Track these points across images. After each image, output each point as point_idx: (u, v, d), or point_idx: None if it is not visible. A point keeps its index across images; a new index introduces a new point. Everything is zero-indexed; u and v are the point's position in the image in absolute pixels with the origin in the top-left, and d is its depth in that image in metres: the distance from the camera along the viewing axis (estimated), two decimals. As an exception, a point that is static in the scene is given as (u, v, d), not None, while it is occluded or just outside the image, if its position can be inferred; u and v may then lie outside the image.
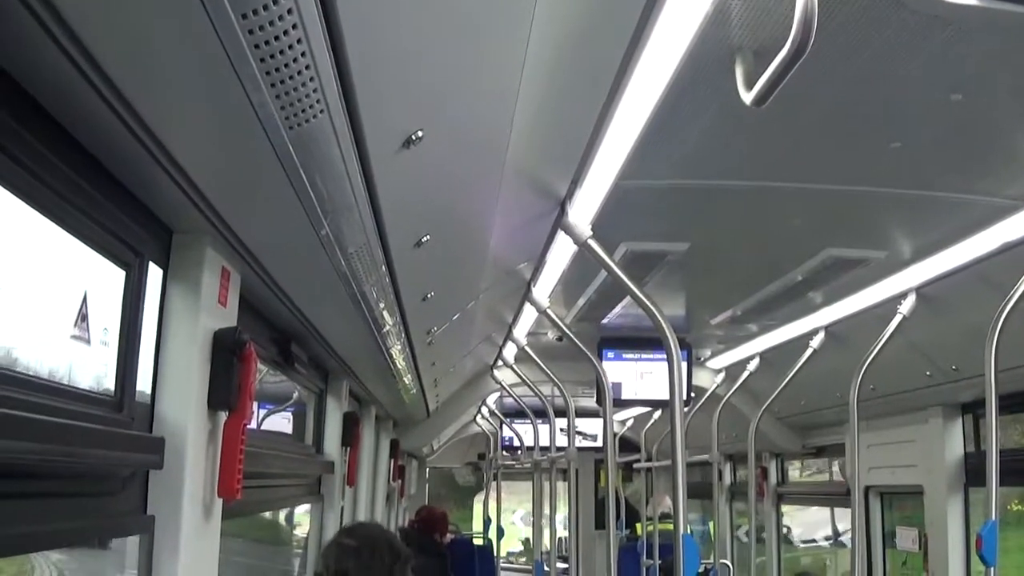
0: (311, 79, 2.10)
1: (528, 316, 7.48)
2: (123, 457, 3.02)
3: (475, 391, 11.94)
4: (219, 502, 3.72)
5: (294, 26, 1.88)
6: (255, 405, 5.10)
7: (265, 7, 1.80)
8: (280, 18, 1.84)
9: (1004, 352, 5.16)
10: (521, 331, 8.11)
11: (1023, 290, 4.96)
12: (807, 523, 12.97)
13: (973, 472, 7.62)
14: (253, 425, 5.18)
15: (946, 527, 7.73)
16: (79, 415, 2.71)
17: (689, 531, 4.15)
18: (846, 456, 9.09)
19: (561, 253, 5.37)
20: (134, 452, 3.11)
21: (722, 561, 12.10)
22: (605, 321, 8.60)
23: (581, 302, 7.64)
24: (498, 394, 12.72)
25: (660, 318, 4.31)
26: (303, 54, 1.99)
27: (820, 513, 12.54)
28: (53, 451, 2.46)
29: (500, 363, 10.04)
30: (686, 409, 10.18)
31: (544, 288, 6.31)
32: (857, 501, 7.52)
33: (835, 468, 11.11)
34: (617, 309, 8.03)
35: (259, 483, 5.02)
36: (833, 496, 11.11)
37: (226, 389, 3.61)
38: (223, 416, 3.69)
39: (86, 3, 1.80)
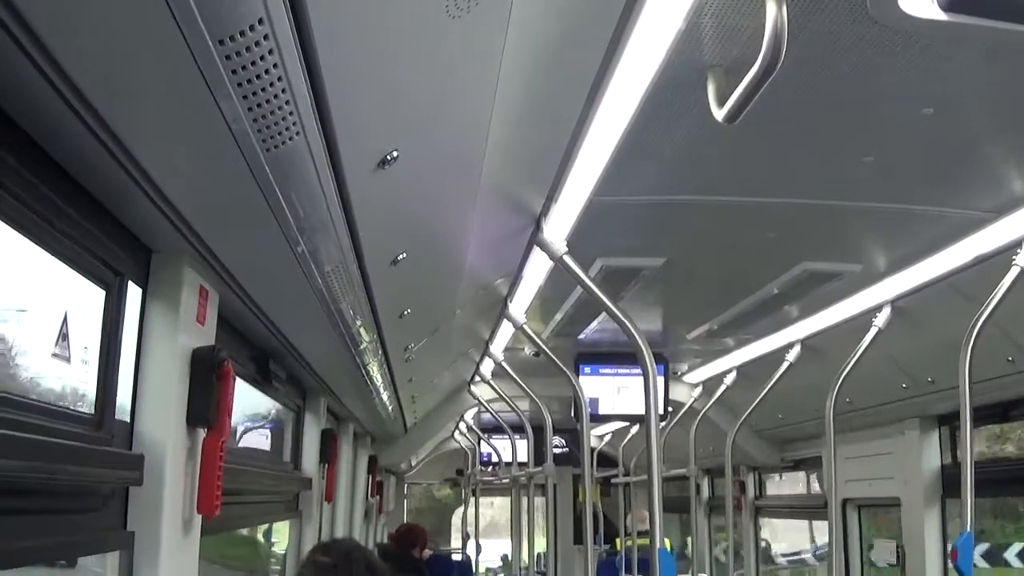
0: (287, 102, 2.13)
1: (505, 332, 7.49)
2: (103, 474, 3.03)
3: (453, 407, 11.90)
4: (198, 518, 3.73)
5: (270, 51, 1.91)
6: (233, 422, 5.11)
7: (242, 33, 1.82)
8: (256, 44, 1.87)
9: (978, 364, 5.19)
10: (498, 347, 8.13)
11: (996, 302, 5.00)
12: (786, 536, 13.00)
13: (950, 484, 7.62)
14: (232, 442, 5.18)
15: (923, 539, 7.75)
16: (59, 433, 2.73)
17: (670, 547, 4.18)
18: (823, 469, 9.10)
19: (537, 269, 5.39)
20: (114, 469, 3.12)
21: (700, 575, 12.12)
22: (582, 336, 8.60)
23: (558, 317, 7.65)
24: (476, 410, 12.70)
25: (635, 333, 4.34)
26: (279, 79, 2.01)
27: (799, 526, 12.57)
28: (33, 468, 2.48)
29: (478, 379, 10.05)
30: (663, 424, 10.22)
31: (521, 304, 6.33)
32: (834, 514, 7.54)
33: (814, 481, 11.13)
34: (594, 324, 8.04)
35: (238, 499, 5.02)
36: (811, 509, 11.11)
37: (204, 406, 3.62)
38: (202, 433, 3.70)
39: (66, 27, 1.82)
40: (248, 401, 5.99)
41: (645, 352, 4.30)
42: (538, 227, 4.50)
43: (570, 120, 3.40)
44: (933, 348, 6.49)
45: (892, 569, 8.69)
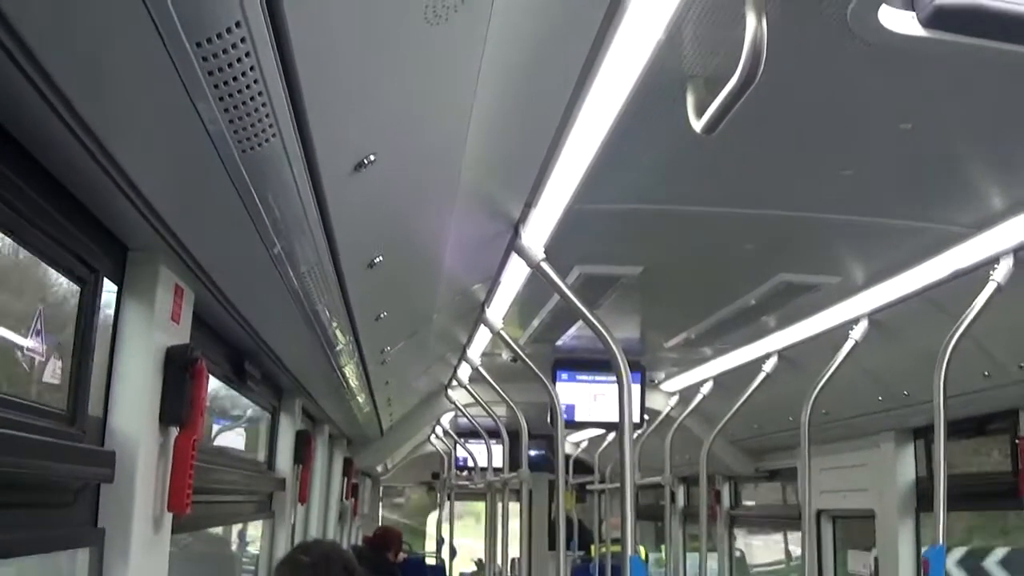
0: (263, 105, 2.14)
1: (482, 337, 7.48)
2: (74, 470, 3.04)
3: (430, 411, 11.88)
4: (169, 516, 3.73)
5: (247, 54, 1.91)
6: (211, 420, 5.10)
7: (219, 35, 1.83)
8: (234, 46, 1.87)
9: (955, 378, 5.20)
10: (475, 351, 8.12)
11: (972, 316, 5.01)
12: (761, 547, 13.00)
13: (925, 497, 7.62)
14: (206, 441, 5.17)
15: (897, 551, 7.76)
16: (30, 428, 2.72)
17: (646, 556, 4.19)
18: (798, 480, 9.13)
19: (515, 275, 5.39)
20: (85, 465, 3.13)
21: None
22: (560, 343, 8.60)
23: (535, 323, 7.64)
24: (453, 414, 12.67)
25: (611, 341, 4.34)
26: (256, 81, 2.02)
27: (774, 537, 12.56)
28: (3, 463, 2.47)
29: (455, 383, 10.02)
30: (639, 432, 10.22)
31: (498, 309, 6.33)
32: (808, 525, 7.55)
33: (791, 492, 11.13)
34: (571, 331, 8.04)
35: (209, 498, 5.02)
36: (785, 520, 11.10)
37: (178, 405, 3.63)
38: (174, 431, 3.70)
39: (47, 28, 1.83)
40: (223, 400, 5.98)
41: (620, 361, 4.31)
42: (516, 233, 4.50)
43: (549, 127, 3.40)
44: (909, 361, 6.51)
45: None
